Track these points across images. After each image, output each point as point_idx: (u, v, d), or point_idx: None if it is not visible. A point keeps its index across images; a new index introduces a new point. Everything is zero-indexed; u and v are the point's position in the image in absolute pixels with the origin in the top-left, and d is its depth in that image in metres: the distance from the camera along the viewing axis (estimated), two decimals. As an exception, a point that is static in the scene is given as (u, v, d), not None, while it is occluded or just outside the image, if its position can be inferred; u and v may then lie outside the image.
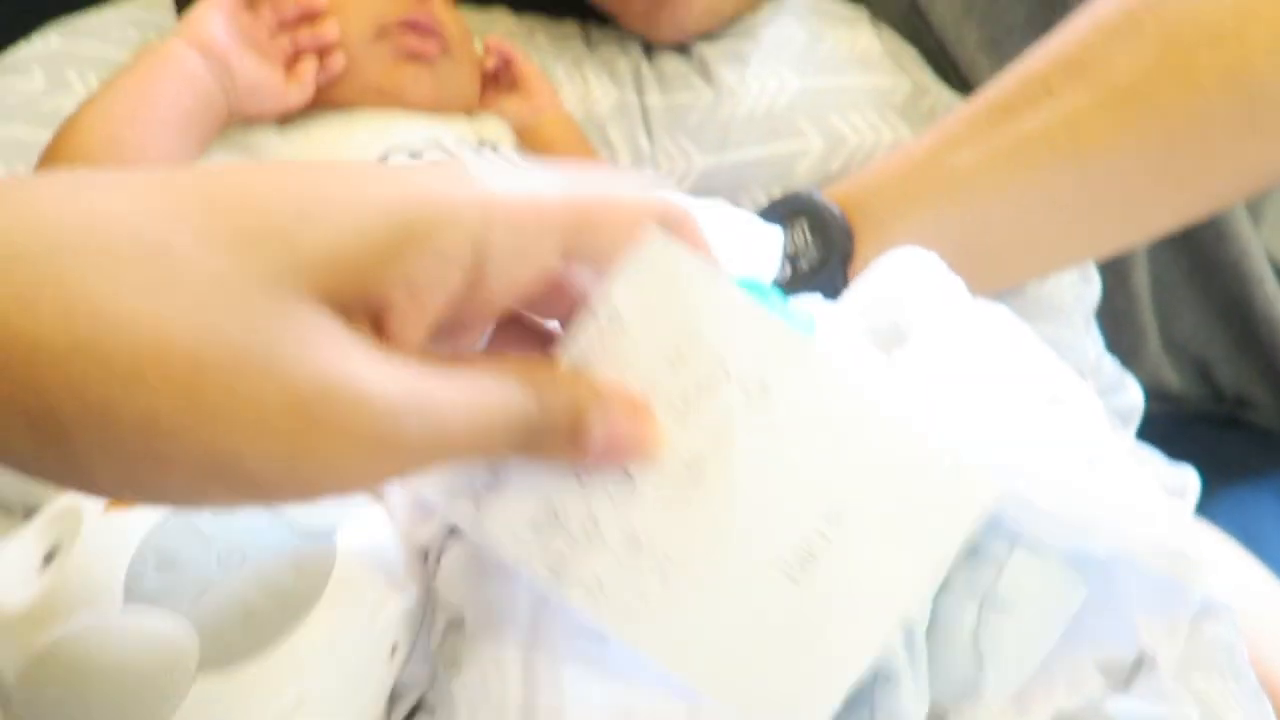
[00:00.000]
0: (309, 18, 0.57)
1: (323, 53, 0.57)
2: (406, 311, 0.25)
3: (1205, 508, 0.56)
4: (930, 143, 0.50)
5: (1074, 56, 0.46)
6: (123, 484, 0.23)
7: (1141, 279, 0.73)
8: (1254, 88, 0.43)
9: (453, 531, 0.38)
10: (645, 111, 0.66)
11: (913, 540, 0.29)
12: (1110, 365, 0.61)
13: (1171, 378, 0.77)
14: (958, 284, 0.40)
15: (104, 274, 0.21)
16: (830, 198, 0.51)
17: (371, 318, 0.25)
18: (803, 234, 0.51)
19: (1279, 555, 0.63)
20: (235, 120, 0.57)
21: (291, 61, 0.57)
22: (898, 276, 0.40)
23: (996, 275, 0.51)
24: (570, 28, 0.75)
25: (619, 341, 0.29)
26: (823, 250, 0.50)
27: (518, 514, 0.30)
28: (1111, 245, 0.53)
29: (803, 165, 0.62)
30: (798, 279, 0.50)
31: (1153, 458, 0.56)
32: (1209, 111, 0.43)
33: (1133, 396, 0.60)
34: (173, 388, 0.21)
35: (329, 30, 0.56)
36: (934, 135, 0.50)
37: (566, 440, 0.28)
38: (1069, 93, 0.45)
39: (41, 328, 0.20)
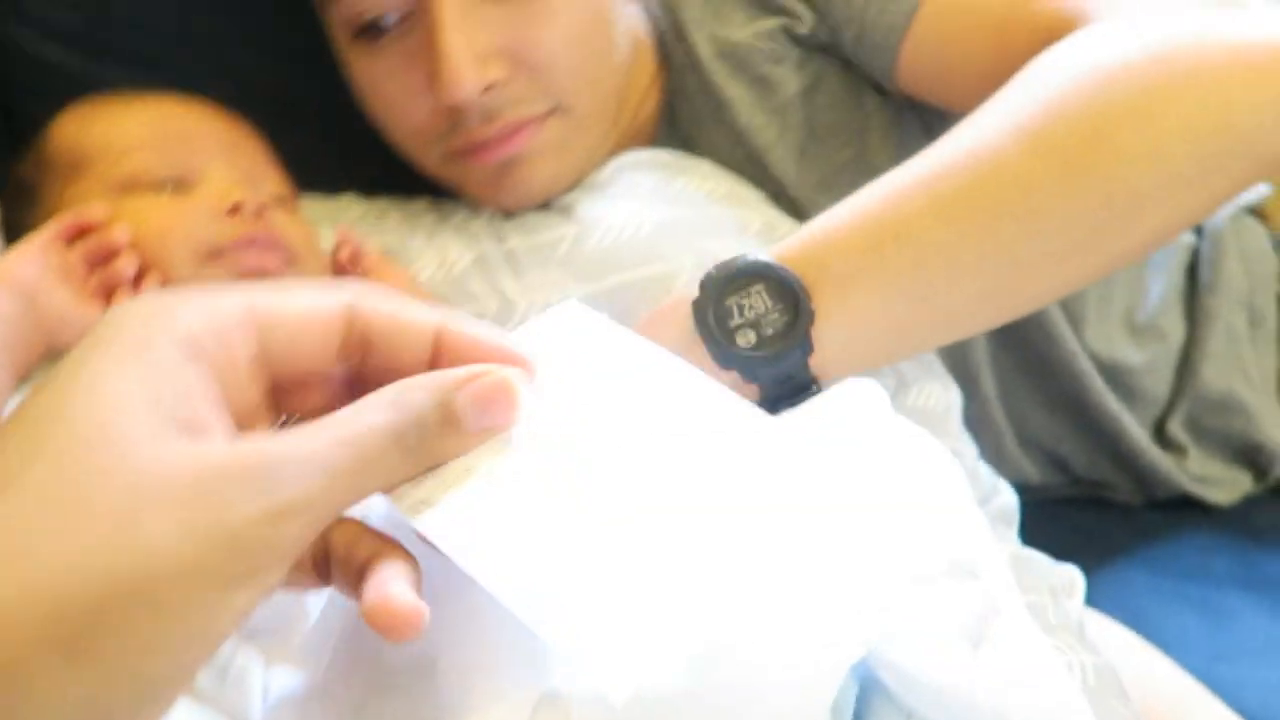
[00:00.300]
0: (114, 253, 0.57)
1: (136, 283, 0.57)
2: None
3: (1087, 591, 0.59)
4: (877, 200, 0.50)
5: (1021, 124, 0.49)
6: None
7: (989, 383, 0.77)
8: (1170, 163, 0.48)
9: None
10: (509, 255, 0.66)
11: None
12: (985, 470, 0.64)
13: (1031, 471, 0.82)
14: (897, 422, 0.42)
15: None
16: (780, 259, 0.50)
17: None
18: (762, 299, 0.50)
19: (1157, 629, 0.67)
20: (59, 352, 0.56)
21: (108, 294, 0.57)
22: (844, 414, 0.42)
23: (949, 326, 0.53)
24: (421, 204, 0.75)
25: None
26: (788, 313, 0.49)
27: None
28: (1053, 295, 0.55)
29: (679, 284, 0.60)
30: (764, 344, 0.49)
31: (1038, 559, 0.59)
32: (1134, 181, 0.48)
33: (1008, 498, 0.63)
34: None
35: (126, 266, 0.57)
36: (877, 193, 0.51)
37: (444, 426, 0.30)
38: (1016, 156, 0.49)
39: None
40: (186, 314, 0.28)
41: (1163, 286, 0.80)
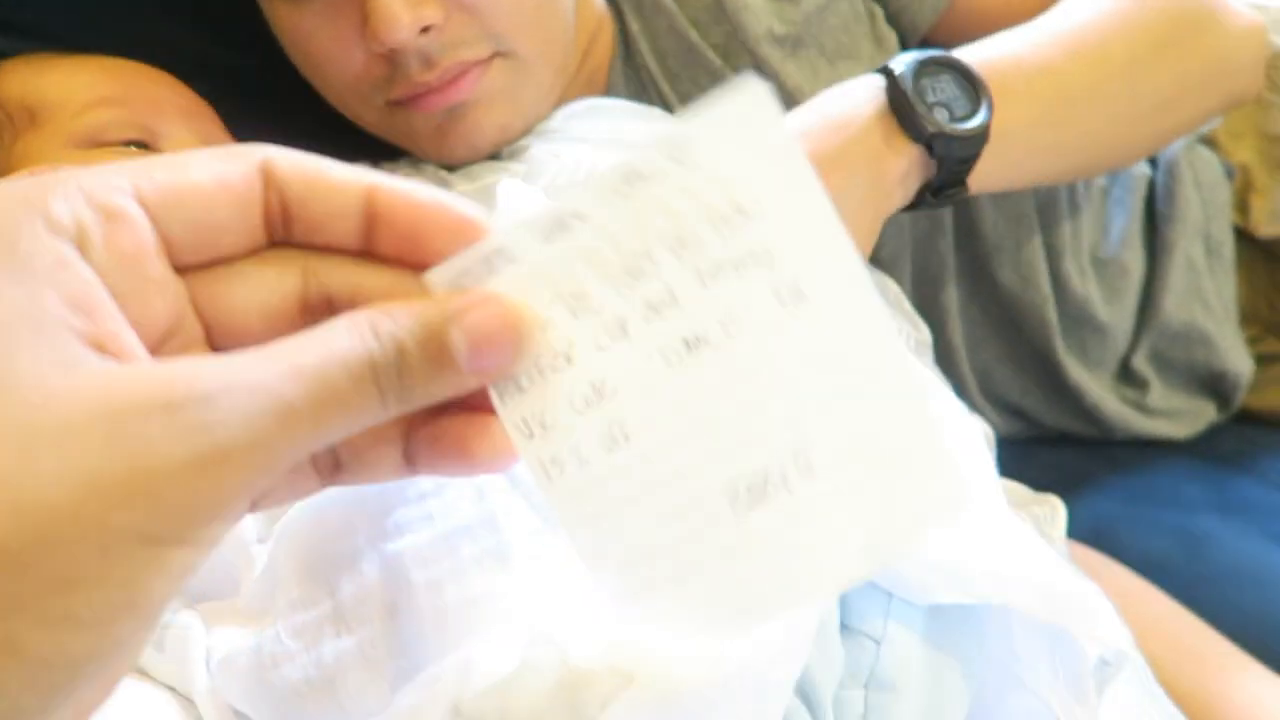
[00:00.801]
0: None
1: None
2: None
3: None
4: (1021, 43, 0.62)
5: (1125, 15, 0.65)
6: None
7: (957, 335, 0.77)
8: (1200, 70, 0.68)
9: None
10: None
11: (871, 524, 0.25)
12: (960, 405, 0.63)
13: (995, 422, 0.81)
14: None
15: None
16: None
17: None
18: (950, 86, 0.57)
19: (1139, 557, 0.66)
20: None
21: None
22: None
23: (1077, 155, 0.66)
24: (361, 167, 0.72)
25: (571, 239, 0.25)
26: (973, 101, 0.57)
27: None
28: (1135, 149, 0.71)
29: None
30: (955, 121, 0.56)
31: (1019, 489, 0.58)
32: (1184, 75, 0.67)
33: (985, 429, 0.62)
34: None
35: None
36: (1017, 39, 0.62)
37: (435, 367, 0.24)
38: (1123, 37, 0.64)
39: None
40: (61, 200, 0.22)
41: (1124, 221, 0.80)
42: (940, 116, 0.55)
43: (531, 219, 0.25)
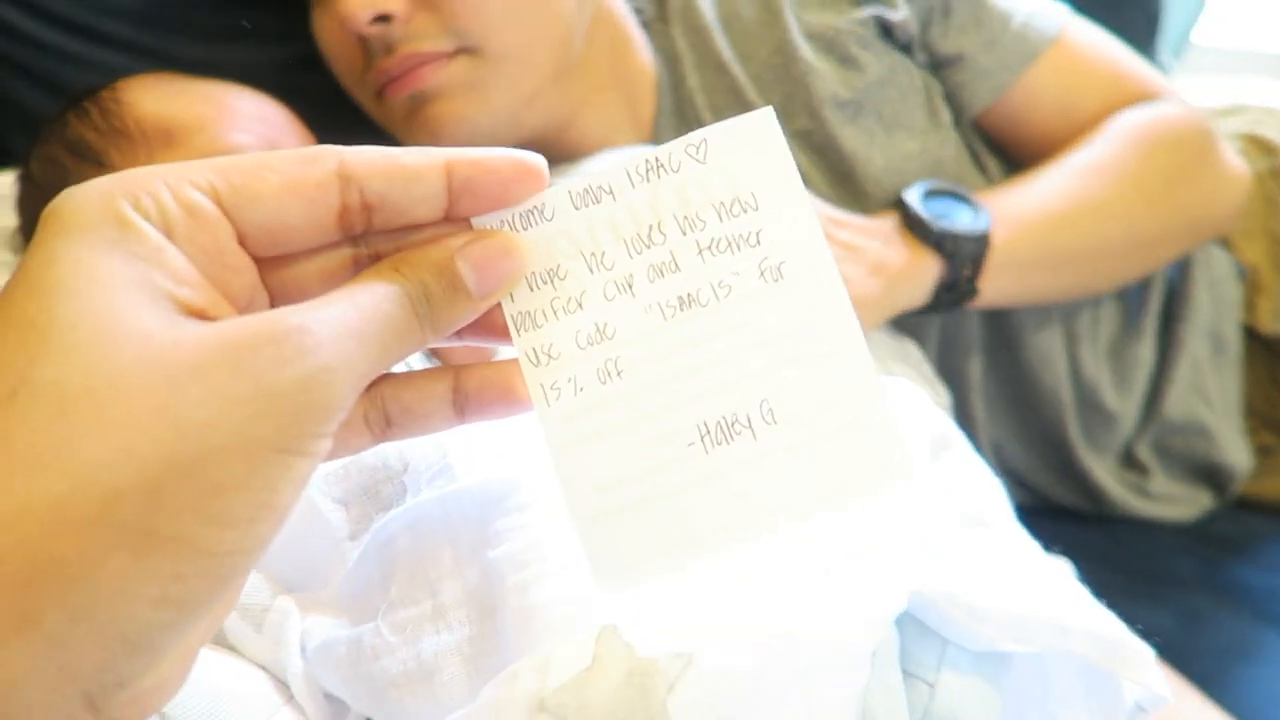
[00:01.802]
0: None
1: None
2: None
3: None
4: (1032, 197, 0.72)
5: (1125, 169, 0.75)
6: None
7: (977, 404, 0.80)
8: (1186, 217, 0.79)
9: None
10: None
11: (822, 477, 0.30)
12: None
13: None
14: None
15: None
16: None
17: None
18: (951, 203, 0.70)
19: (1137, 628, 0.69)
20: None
21: None
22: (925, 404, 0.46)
23: (1072, 287, 0.76)
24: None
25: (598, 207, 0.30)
26: (973, 214, 0.69)
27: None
28: (1134, 277, 0.81)
29: None
30: (956, 228, 0.67)
31: (1035, 548, 0.61)
32: (1173, 222, 0.78)
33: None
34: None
35: None
36: (1031, 193, 0.73)
37: (453, 294, 0.29)
38: (1119, 194, 0.74)
39: None
40: (148, 196, 0.25)
41: (1140, 315, 0.84)
42: (944, 223, 0.67)
43: (568, 186, 0.30)
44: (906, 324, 0.77)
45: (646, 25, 0.78)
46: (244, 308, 0.28)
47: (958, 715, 0.37)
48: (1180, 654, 0.67)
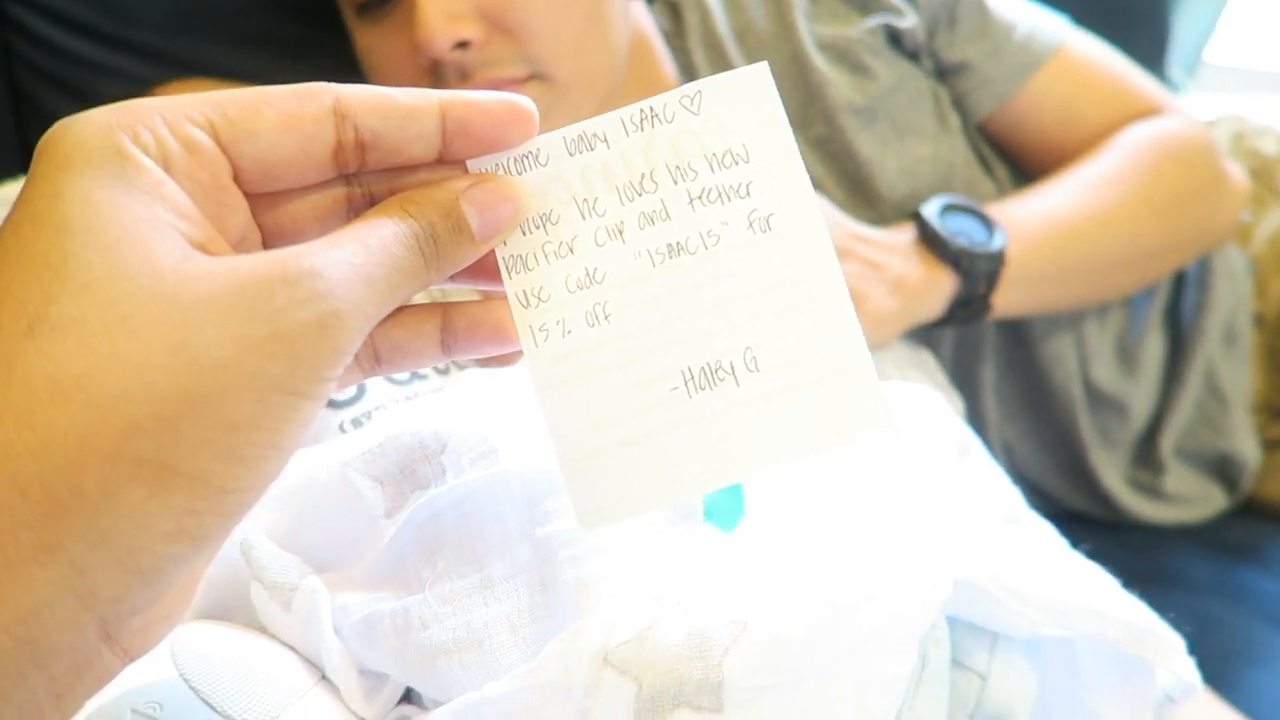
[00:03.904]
0: None
1: None
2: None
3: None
4: (1043, 211, 0.74)
5: (1134, 184, 0.77)
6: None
7: (990, 406, 0.81)
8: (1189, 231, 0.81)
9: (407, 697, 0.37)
10: None
11: (801, 424, 0.30)
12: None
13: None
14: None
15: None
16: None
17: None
18: (967, 220, 0.71)
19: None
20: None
21: None
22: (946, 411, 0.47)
23: (1083, 296, 0.78)
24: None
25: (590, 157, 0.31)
26: (988, 232, 0.71)
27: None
28: (1123, 291, 0.82)
29: None
30: (974, 247, 0.69)
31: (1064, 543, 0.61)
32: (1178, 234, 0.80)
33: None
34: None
35: None
36: (1042, 205, 0.74)
37: (458, 235, 0.29)
38: (1125, 216, 0.76)
39: None
40: (146, 130, 0.25)
41: (1148, 309, 0.85)
42: (961, 240, 0.69)
43: (562, 134, 0.31)
44: (925, 331, 0.78)
45: (666, 39, 0.80)
46: (237, 245, 0.28)
47: (1010, 706, 0.37)
48: (1194, 659, 0.67)
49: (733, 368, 0.30)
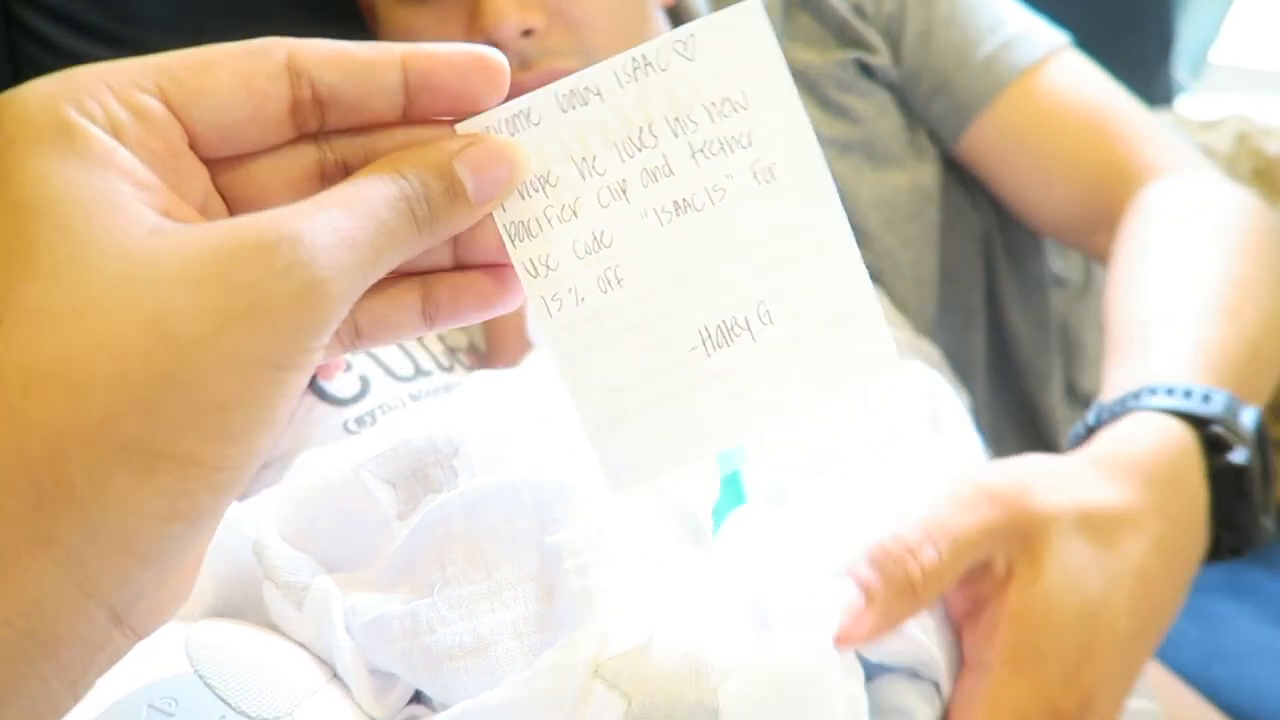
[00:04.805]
0: None
1: None
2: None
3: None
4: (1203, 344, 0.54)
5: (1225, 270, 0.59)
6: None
7: (984, 424, 0.81)
8: None
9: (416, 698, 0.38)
10: None
11: (814, 374, 0.30)
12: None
13: None
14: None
15: None
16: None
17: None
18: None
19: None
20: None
21: None
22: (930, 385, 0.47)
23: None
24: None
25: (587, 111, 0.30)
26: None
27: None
28: None
29: None
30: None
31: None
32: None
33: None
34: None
35: None
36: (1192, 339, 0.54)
37: (453, 198, 0.27)
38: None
39: None
40: (92, 99, 0.24)
41: None
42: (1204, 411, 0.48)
43: (553, 89, 0.30)
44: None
45: None
46: (200, 213, 0.26)
47: None
48: (1199, 655, 0.67)
49: (748, 322, 0.30)
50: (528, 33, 0.65)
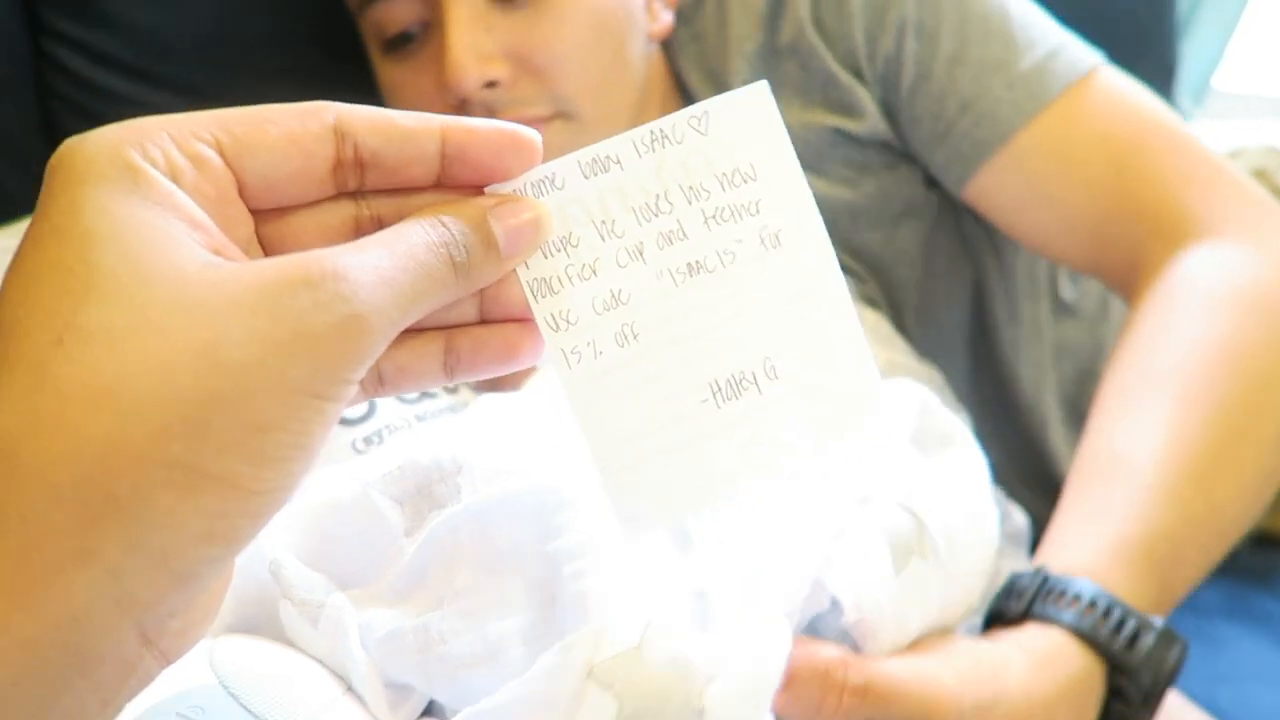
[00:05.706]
0: None
1: None
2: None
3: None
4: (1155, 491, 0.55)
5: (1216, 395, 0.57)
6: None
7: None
8: None
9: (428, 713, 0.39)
10: None
11: (815, 423, 0.33)
12: (999, 494, 0.67)
13: None
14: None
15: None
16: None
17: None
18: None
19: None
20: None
21: None
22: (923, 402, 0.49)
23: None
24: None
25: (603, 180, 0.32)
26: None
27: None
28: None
29: None
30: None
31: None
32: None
33: (1020, 520, 0.67)
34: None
35: None
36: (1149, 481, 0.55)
37: (487, 249, 0.30)
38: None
39: None
40: (154, 146, 0.26)
41: None
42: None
43: (576, 157, 0.32)
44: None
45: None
46: (244, 256, 0.28)
47: None
48: (1203, 677, 0.68)
49: (755, 378, 0.32)
50: (492, 84, 0.66)
